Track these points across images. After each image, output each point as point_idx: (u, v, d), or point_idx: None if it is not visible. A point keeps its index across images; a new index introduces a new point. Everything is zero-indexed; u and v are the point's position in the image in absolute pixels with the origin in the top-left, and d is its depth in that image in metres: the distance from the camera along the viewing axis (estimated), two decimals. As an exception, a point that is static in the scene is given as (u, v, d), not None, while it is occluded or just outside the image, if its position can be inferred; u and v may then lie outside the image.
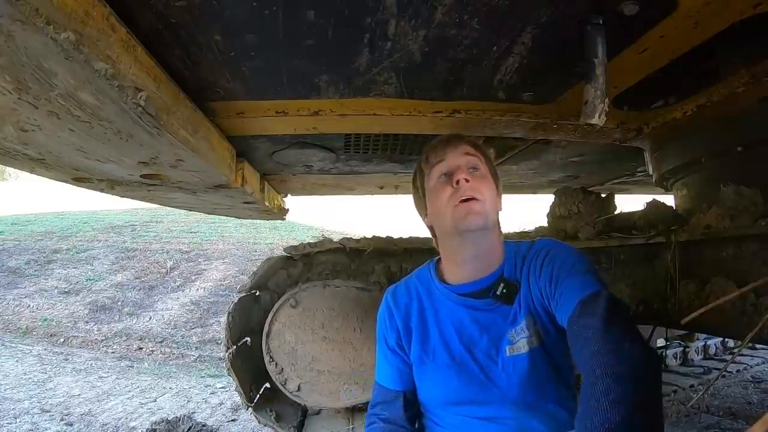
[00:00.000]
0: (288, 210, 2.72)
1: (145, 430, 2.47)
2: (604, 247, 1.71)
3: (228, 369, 2.05)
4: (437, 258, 1.00)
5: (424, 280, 0.97)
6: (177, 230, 9.36)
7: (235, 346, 2.04)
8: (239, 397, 2.14)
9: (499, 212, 0.92)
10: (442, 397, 0.90)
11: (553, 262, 0.84)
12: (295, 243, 2.25)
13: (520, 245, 0.94)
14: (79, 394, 3.36)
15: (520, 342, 0.84)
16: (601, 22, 0.87)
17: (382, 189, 2.65)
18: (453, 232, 0.87)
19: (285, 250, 2.23)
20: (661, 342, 3.10)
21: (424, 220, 1.01)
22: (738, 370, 3.08)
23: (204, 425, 2.52)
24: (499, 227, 0.93)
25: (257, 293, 2.20)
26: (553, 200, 2.11)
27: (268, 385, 2.20)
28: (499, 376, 0.85)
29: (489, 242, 0.89)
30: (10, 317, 5.81)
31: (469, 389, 0.86)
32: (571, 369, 0.87)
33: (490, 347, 0.86)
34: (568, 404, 0.86)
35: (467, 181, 0.85)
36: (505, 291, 0.86)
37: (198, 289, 6.61)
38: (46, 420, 2.82)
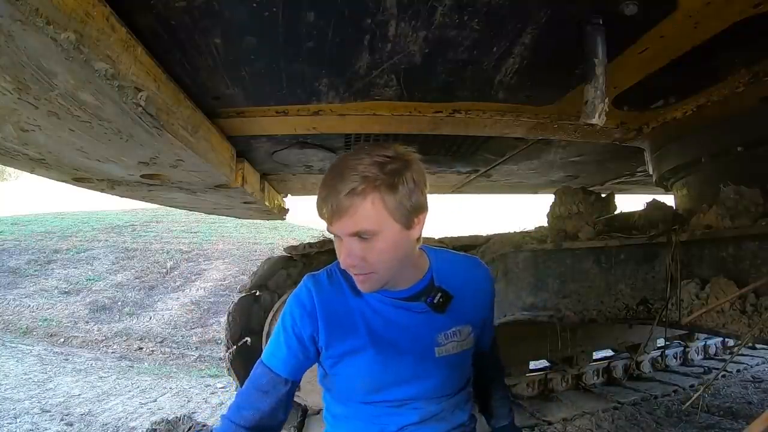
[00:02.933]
0: (288, 210, 2.72)
1: (145, 430, 2.48)
2: (604, 247, 1.71)
3: (228, 369, 2.05)
4: None
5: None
6: (177, 230, 9.36)
7: (235, 346, 2.04)
8: (239, 397, 2.14)
9: (415, 244, 0.86)
10: (364, 388, 0.92)
11: (492, 306, 1.05)
12: (295, 243, 2.25)
13: (446, 256, 0.98)
14: (79, 394, 3.37)
15: (449, 344, 0.92)
16: (601, 22, 0.87)
17: (382, 189, 2.64)
18: None
19: (285, 250, 2.23)
20: (661, 342, 3.10)
21: None
22: (738, 370, 3.08)
23: (204, 425, 2.52)
24: (414, 250, 0.88)
25: (257, 293, 2.20)
26: (553, 200, 2.11)
27: (268, 385, 2.20)
28: (421, 374, 0.91)
29: (399, 273, 0.87)
30: (11, 317, 5.81)
31: (391, 383, 0.91)
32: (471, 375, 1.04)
33: (417, 349, 0.90)
34: (467, 405, 1.01)
35: (353, 264, 0.80)
36: (441, 300, 0.90)
37: (198, 289, 6.61)
38: (46, 420, 2.82)
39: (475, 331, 0.96)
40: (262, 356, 0.94)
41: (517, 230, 2.23)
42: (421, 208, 0.81)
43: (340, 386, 0.95)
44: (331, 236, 0.83)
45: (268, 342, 0.95)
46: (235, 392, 2.15)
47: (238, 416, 0.88)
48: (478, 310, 0.97)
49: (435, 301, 0.90)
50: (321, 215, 0.79)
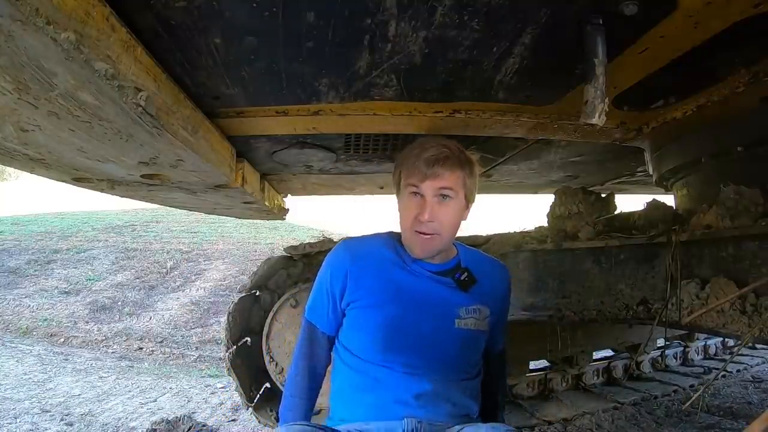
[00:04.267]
0: (288, 210, 2.71)
1: (145, 430, 2.47)
2: (604, 247, 1.71)
3: (228, 369, 2.05)
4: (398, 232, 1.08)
5: (390, 245, 1.05)
6: (177, 230, 9.36)
7: (235, 346, 2.04)
8: (239, 397, 2.14)
9: (461, 224, 1.03)
10: (381, 343, 0.98)
11: (506, 304, 1.15)
12: (295, 243, 2.25)
13: (472, 251, 1.12)
14: (79, 394, 3.36)
15: (469, 319, 1.01)
16: (601, 22, 0.87)
17: (382, 189, 2.65)
18: (407, 243, 1.01)
19: (285, 250, 2.23)
20: (661, 342, 3.10)
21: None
22: (738, 370, 3.08)
23: (204, 425, 2.52)
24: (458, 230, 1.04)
25: (257, 293, 2.21)
26: (553, 200, 2.11)
27: (268, 385, 2.20)
28: (440, 343, 0.98)
29: (438, 251, 1.01)
30: (10, 317, 5.81)
31: (408, 344, 0.97)
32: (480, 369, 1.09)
33: (440, 316, 1.00)
34: (477, 398, 1.05)
35: (431, 220, 0.94)
36: (467, 278, 1.02)
37: (198, 289, 6.61)
38: (46, 420, 2.82)
39: (491, 318, 1.05)
40: (305, 310, 1.09)
41: (517, 230, 2.23)
42: (474, 199, 1.04)
43: (357, 341, 1.01)
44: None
45: (309, 297, 1.10)
46: (235, 392, 2.16)
47: (294, 365, 1.08)
48: (496, 300, 1.08)
49: (462, 278, 1.02)
50: (412, 174, 0.96)
